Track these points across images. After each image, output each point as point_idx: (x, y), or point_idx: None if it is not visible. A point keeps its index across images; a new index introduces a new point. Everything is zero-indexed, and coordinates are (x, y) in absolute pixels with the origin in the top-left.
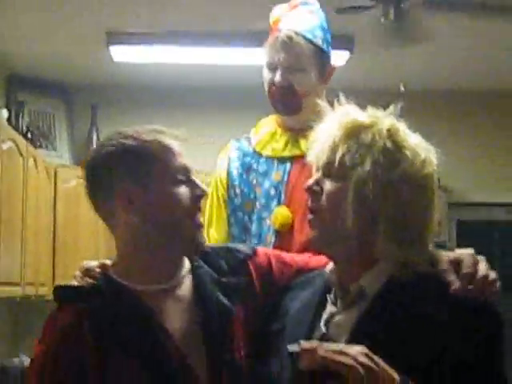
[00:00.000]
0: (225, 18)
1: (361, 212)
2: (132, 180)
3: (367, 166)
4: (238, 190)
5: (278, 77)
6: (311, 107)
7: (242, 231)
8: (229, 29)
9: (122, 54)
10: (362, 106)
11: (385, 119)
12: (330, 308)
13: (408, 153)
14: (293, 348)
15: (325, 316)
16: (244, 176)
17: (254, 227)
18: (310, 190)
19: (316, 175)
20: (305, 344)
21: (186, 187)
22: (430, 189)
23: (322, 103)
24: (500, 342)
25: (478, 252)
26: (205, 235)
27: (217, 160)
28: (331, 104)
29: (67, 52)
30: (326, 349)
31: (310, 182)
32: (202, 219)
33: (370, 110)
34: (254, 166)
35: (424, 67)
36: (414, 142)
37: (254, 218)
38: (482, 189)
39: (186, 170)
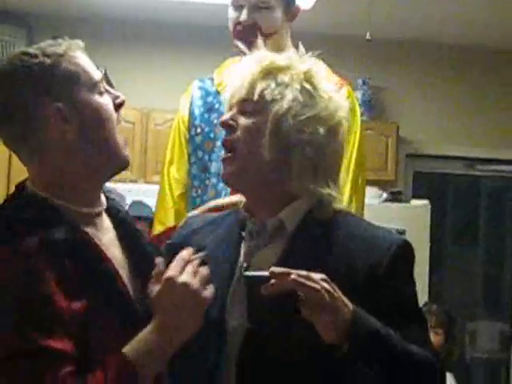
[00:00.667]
0: None
1: (277, 146)
2: (62, 98)
3: (286, 101)
4: (198, 129)
5: (243, 15)
6: (275, 47)
7: (202, 170)
8: None
9: None
10: (328, 52)
11: (301, 63)
12: (248, 244)
13: (324, 95)
14: (256, 273)
15: (243, 251)
16: (205, 115)
17: (213, 166)
18: (225, 124)
19: (231, 112)
20: (275, 269)
21: (107, 96)
22: (342, 133)
23: (285, 45)
24: (405, 262)
25: (432, 203)
26: (165, 172)
27: (180, 99)
28: (295, 47)
29: None
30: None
31: (225, 117)
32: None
33: (287, 54)
34: (216, 105)
35: (392, 15)
36: (329, 87)
37: (214, 157)
38: (441, 141)
39: (101, 79)
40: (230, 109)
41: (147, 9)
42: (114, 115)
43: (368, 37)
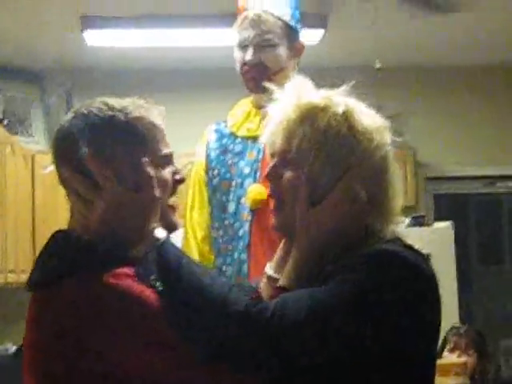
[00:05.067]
0: (198, 0)
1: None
2: (122, 157)
3: (322, 155)
4: (215, 172)
5: (248, 55)
6: (283, 84)
7: (221, 211)
8: (202, 11)
9: (96, 38)
10: (337, 84)
11: (338, 100)
12: None
13: (363, 138)
14: None
15: None
16: (221, 157)
17: (231, 206)
18: (268, 177)
19: (273, 161)
20: None
21: (170, 170)
22: (385, 169)
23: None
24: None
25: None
26: (187, 217)
27: (195, 144)
28: None
29: (41, 37)
30: None
31: (268, 169)
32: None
33: (323, 90)
34: (230, 146)
35: (399, 42)
36: (369, 122)
37: (231, 197)
38: (459, 162)
39: (171, 153)
40: (272, 156)
41: (158, 57)
42: (166, 188)
43: (377, 65)
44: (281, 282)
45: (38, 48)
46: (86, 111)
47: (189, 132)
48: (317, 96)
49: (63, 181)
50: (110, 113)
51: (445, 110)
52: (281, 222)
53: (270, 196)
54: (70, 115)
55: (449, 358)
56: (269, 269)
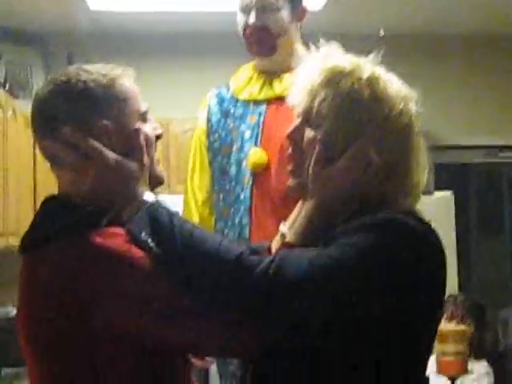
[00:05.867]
0: None
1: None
2: (109, 115)
3: (339, 117)
4: (216, 136)
5: (251, 18)
6: (285, 48)
7: (222, 175)
8: None
9: (99, 2)
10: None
11: (365, 66)
12: None
13: (384, 104)
14: None
15: None
16: (222, 121)
17: (232, 170)
18: (289, 137)
19: (296, 121)
20: None
21: (150, 126)
22: (408, 139)
23: (296, 45)
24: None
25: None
26: (188, 181)
27: (197, 107)
28: (307, 48)
29: (43, 1)
30: None
31: (291, 128)
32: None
33: (352, 56)
34: (232, 110)
35: (404, 10)
36: (393, 91)
37: (232, 160)
38: (460, 131)
39: (147, 110)
40: (298, 117)
41: (161, 21)
42: (152, 143)
43: (381, 33)
44: (288, 238)
45: (39, 10)
46: (64, 78)
47: (191, 96)
48: (344, 61)
49: (45, 152)
50: (90, 76)
51: (446, 79)
52: (298, 182)
53: (289, 156)
54: (47, 84)
55: (446, 326)
56: (283, 227)
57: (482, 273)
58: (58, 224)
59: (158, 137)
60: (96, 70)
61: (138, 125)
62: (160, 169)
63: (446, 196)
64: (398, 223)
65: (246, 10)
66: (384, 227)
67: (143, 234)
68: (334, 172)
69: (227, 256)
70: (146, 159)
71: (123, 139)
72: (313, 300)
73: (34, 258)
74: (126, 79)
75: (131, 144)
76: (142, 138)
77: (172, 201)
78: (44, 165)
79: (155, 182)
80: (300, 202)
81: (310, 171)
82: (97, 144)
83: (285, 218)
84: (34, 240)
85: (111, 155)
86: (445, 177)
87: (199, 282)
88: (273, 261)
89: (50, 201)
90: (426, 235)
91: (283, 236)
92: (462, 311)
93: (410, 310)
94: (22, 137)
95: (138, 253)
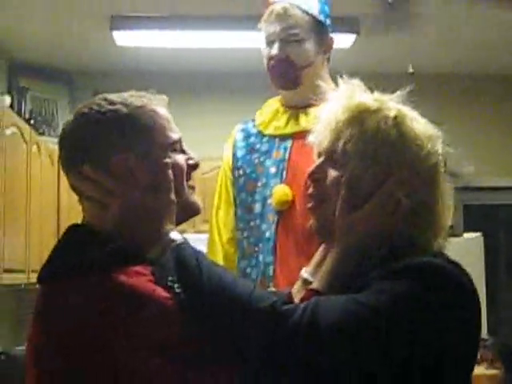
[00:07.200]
0: (228, 2)
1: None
2: (131, 149)
3: (366, 158)
4: (241, 171)
5: (274, 49)
6: (311, 81)
7: (246, 212)
8: (233, 12)
9: (125, 38)
10: (369, 90)
11: (391, 104)
12: None
13: (412, 144)
14: None
15: None
16: (247, 157)
17: (256, 207)
18: (311, 176)
19: (319, 160)
20: None
21: (182, 156)
22: (435, 180)
23: (323, 78)
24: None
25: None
26: (213, 217)
27: (222, 147)
28: (335, 82)
29: (70, 37)
30: None
31: (313, 168)
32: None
33: (377, 94)
34: (257, 145)
35: (431, 50)
36: (420, 130)
37: (257, 197)
38: (489, 173)
39: (180, 139)
40: (319, 156)
41: (189, 59)
42: (183, 174)
43: (410, 70)
44: (314, 285)
45: (66, 48)
46: (86, 110)
47: (219, 135)
48: (369, 98)
49: (73, 185)
50: (111, 107)
51: (478, 119)
52: (320, 223)
53: (309, 196)
54: (72, 116)
55: (476, 370)
56: (305, 272)
57: (511, 316)
58: (81, 257)
59: (193, 167)
60: (121, 100)
61: (168, 156)
62: (194, 197)
63: (475, 238)
64: (433, 268)
65: (269, 42)
66: (418, 273)
67: (169, 280)
68: (361, 217)
69: (260, 304)
70: (172, 196)
71: (149, 173)
72: (348, 348)
73: (53, 288)
74: (156, 107)
75: (157, 178)
76: (169, 171)
77: (197, 240)
78: (68, 202)
79: (190, 211)
80: (322, 246)
81: (337, 216)
82: (116, 182)
83: (309, 257)
84: (54, 270)
85: (133, 193)
86: (474, 218)
87: (229, 330)
88: (306, 309)
89: (73, 230)
90: (460, 279)
91: (305, 281)
92: (491, 355)
93: (448, 357)
94: (46, 173)
95: (163, 294)
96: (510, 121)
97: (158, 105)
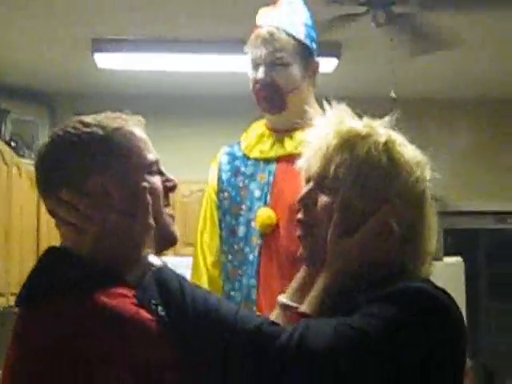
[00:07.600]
0: (212, 25)
1: (347, 226)
2: (107, 171)
3: (358, 184)
4: (226, 194)
5: (260, 73)
6: (296, 105)
7: (230, 235)
8: (216, 36)
9: (107, 61)
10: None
11: (381, 130)
12: None
13: (402, 171)
14: None
15: None
16: (232, 180)
17: (240, 230)
18: (301, 202)
19: (308, 186)
20: None
21: (159, 178)
22: (423, 206)
23: (308, 102)
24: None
25: (465, 259)
26: (198, 240)
27: (203, 169)
28: (321, 107)
29: (51, 59)
30: None
31: (303, 193)
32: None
33: (366, 119)
34: (242, 168)
35: (414, 75)
36: (410, 156)
37: (241, 220)
38: (469, 197)
39: (157, 160)
40: (308, 181)
41: (169, 83)
42: (160, 197)
43: (393, 95)
44: (302, 309)
45: (47, 70)
46: (61, 133)
47: (198, 158)
48: (359, 124)
49: (50, 210)
50: (87, 129)
51: (455, 144)
52: (309, 249)
53: (299, 221)
54: (47, 140)
55: None
56: (283, 298)
57: (492, 339)
58: (60, 278)
59: (171, 189)
60: (96, 122)
61: (145, 178)
62: (173, 227)
63: (455, 262)
64: (423, 293)
65: (255, 66)
66: (408, 298)
67: (153, 303)
68: (354, 243)
69: (246, 325)
70: (150, 220)
71: (126, 195)
72: (337, 371)
73: (31, 310)
74: (132, 128)
75: (134, 202)
76: (146, 195)
77: (178, 263)
78: (48, 225)
79: (167, 241)
80: (302, 269)
81: (329, 240)
82: (93, 205)
83: (292, 281)
84: (32, 292)
85: (110, 217)
86: (455, 242)
87: (214, 352)
88: (295, 331)
89: (52, 252)
90: (448, 305)
91: (283, 307)
92: (471, 378)
93: (435, 380)
94: (26, 195)
95: (146, 316)
96: (490, 145)
97: (135, 126)
